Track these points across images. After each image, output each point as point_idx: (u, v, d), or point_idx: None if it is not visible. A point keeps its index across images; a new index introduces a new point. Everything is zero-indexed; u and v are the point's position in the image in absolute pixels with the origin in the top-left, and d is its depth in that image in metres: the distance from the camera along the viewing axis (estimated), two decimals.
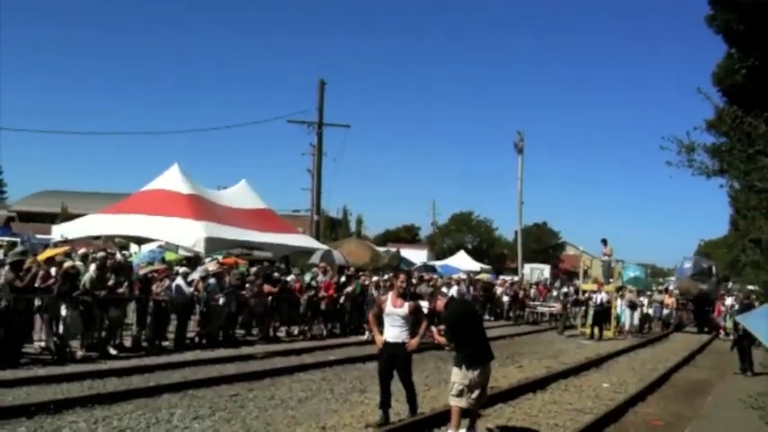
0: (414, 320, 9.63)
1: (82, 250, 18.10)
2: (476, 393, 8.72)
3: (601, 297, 27.28)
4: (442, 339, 9.42)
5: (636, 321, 29.58)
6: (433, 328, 9.80)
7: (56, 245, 21.74)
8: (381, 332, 9.76)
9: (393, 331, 9.54)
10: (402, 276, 10.20)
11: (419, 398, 11.41)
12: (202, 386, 11.66)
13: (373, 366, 14.96)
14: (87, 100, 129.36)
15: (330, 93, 35.80)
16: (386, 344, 9.59)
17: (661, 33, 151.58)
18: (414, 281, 24.06)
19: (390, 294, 9.86)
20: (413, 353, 9.73)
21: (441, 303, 9.26)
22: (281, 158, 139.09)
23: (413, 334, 9.61)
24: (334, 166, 49.93)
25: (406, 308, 9.53)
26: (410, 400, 9.85)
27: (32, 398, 10.06)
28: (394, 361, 9.58)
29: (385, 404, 9.59)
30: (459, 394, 8.67)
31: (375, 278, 22.98)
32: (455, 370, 8.79)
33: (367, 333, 20.45)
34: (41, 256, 15.90)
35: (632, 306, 29.33)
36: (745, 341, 17.12)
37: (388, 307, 9.60)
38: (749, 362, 17.40)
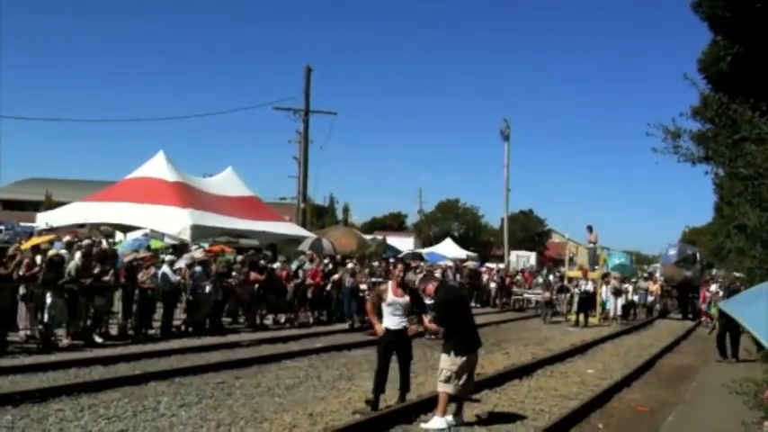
0: (412, 309, 9.79)
1: (67, 238, 18.00)
2: (463, 380, 8.79)
3: (586, 284, 27.40)
4: (433, 326, 9.44)
5: (620, 308, 29.65)
6: (423, 316, 9.83)
7: (40, 233, 21.62)
8: (380, 321, 9.82)
9: (394, 320, 9.62)
10: (400, 266, 10.33)
11: None
12: (189, 374, 11.65)
13: (360, 353, 15.15)
14: (72, 87, 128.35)
15: (317, 80, 35.80)
16: (387, 331, 9.66)
17: (647, 20, 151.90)
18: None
19: (390, 284, 9.90)
20: (412, 338, 9.94)
21: (431, 287, 9.31)
22: (268, 146, 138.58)
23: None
24: (321, 153, 49.70)
25: (407, 297, 9.66)
26: (404, 386, 9.92)
27: (18, 386, 10.01)
28: (395, 347, 9.68)
29: (378, 390, 9.63)
30: (447, 380, 8.73)
31: (350, 265, 22.21)
32: (443, 356, 8.85)
33: (348, 323, 20.50)
34: (26, 245, 15.82)
35: (616, 293, 29.46)
36: (732, 325, 16.35)
37: (390, 297, 9.65)
38: (735, 348, 17.21)
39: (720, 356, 17.33)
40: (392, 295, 9.64)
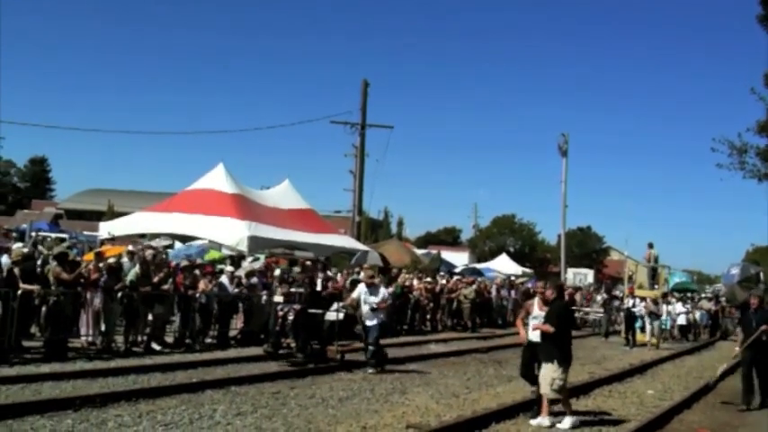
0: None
1: (129, 247, 18.41)
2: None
3: (632, 302, 26.69)
4: (545, 327, 9.95)
5: (656, 330, 26.60)
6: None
7: (103, 242, 22.12)
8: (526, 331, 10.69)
9: (535, 332, 10.28)
10: (541, 283, 11.27)
11: (459, 399, 11.50)
12: (244, 383, 11.76)
13: (414, 367, 15.11)
14: (134, 99, 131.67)
15: (373, 93, 35.70)
16: (529, 343, 10.49)
17: (710, 33, 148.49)
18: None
19: (536, 301, 10.58)
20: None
21: (550, 293, 10.20)
22: (324, 159, 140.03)
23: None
24: (376, 167, 49.01)
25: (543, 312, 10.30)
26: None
27: (78, 391, 10.26)
28: (536, 357, 10.29)
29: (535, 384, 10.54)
30: (561, 389, 9.83)
31: (277, 272, 19.54)
32: (554, 366, 9.79)
33: (264, 345, 15.23)
34: (89, 254, 16.23)
35: (652, 315, 27.80)
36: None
37: (535, 311, 10.44)
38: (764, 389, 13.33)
39: (745, 403, 13.03)
40: (537, 310, 10.41)
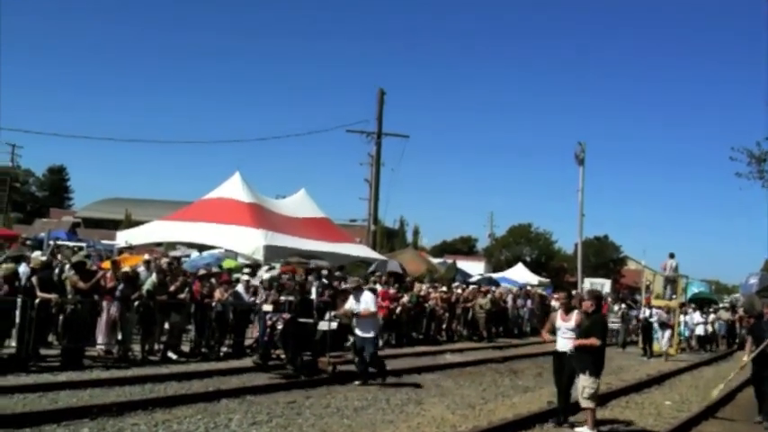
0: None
1: (145, 256, 18.49)
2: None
3: (648, 312, 26.42)
4: (589, 341, 9.95)
5: (666, 340, 26.14)
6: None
7: (120, 251, 22.26)
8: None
9: (561, 342, 10.47)
10: (562, 294, 11.31)
11: (475, 410, 11.45)
12: (260, 392, 11.77)
13: (430, 378, 15.07)
14: (151, 109, 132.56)
15: (389, 102, 35.69)
16: (555, 353, 10.65)
17: (729, 41, 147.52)
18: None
19: (559, 311, 10.82)
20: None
21: (589, 305, 10.33)
22: (340, 168, 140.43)
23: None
24: (392, 176, 48.98)
25: (572, 322, 10.37)
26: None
27: (95, 399, 10.30)
28: (564, 366, 10.39)
29: (561, 400, 10.66)
30: (591, 397, 9.92)
31: (266, 275, 18.59)
32: (587, 377, 9.90)
33: (254, 356, 15.04)
34: (107, 263, 16.32)
35: (663, 325, 27.38)
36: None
37: (558, 321, 10.58)
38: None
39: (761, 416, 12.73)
40: (560, 320, 10.56)
